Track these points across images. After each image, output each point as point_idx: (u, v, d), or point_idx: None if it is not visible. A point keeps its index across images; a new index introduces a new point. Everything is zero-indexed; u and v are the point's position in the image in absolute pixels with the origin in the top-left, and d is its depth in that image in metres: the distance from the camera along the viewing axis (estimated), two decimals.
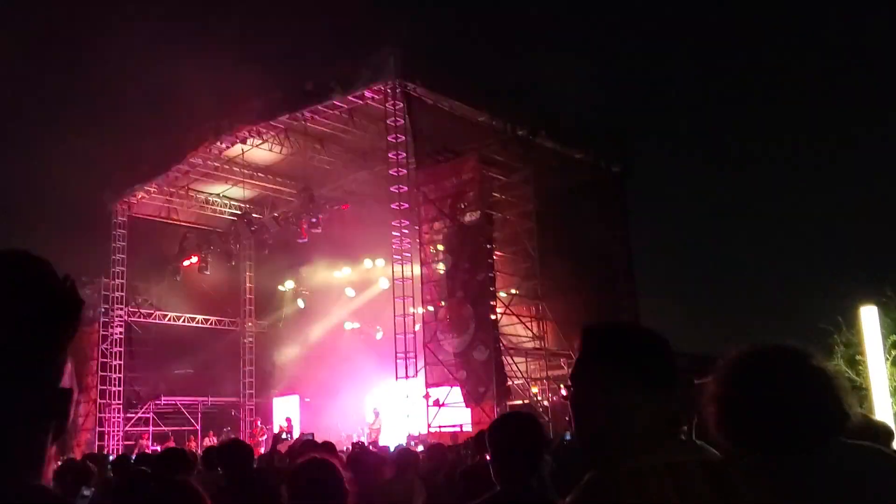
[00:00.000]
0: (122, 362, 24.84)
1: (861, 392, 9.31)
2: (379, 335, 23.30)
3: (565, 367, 19.64)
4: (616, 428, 1.68)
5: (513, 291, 20.04)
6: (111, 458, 12.32)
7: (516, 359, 19.15)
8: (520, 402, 18.34)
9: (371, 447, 11.64)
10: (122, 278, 25.28)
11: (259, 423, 25.58)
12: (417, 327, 18.86)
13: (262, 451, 14.77)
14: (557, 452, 5.31)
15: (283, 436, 7.89)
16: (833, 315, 11.61)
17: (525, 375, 19.49)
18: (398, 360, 18.11)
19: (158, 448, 18.86)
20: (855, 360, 10.31)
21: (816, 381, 1.90)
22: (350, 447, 11.58)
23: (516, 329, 19.60)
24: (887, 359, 9.71)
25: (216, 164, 23.54)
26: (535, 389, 19.44)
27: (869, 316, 8.97)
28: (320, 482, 2.94)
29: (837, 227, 23.35)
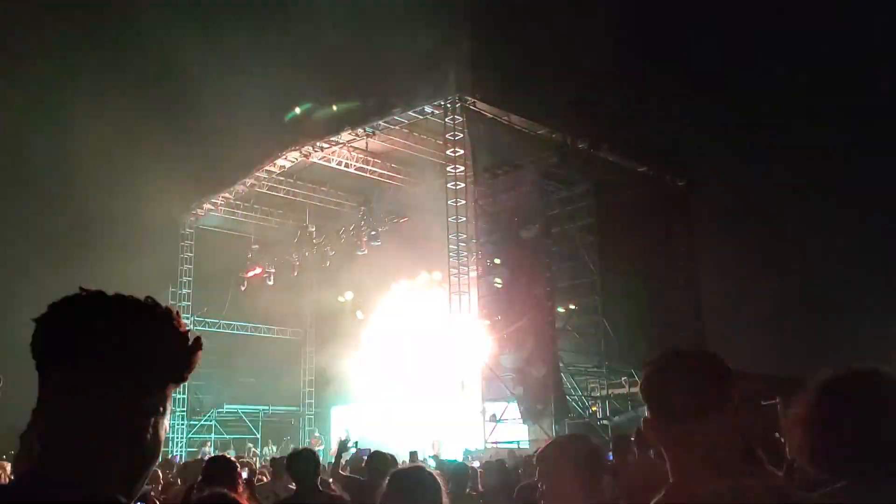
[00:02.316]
0: None
1: None
2: (437, 349, 23.33)
3: (626, 386, 19.30)
4: (689, 452, 1.71)
5: (571, 307, 19.82)
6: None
7: (576, 377, 18.92)
8: (579, 420, 18.09)
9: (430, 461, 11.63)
10: (189, 288, 25.91)
11: (317, 433, 25.86)
12: (475, 341, 18.80)
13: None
14: (623, 473, 5.22)
15: (350, 444, 7.92)
16: None
17: (584, 393, 19.23)
18: (456, 375, 18.10)
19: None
20: None
21: None
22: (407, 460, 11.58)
23: (576, 345, 19.37)
24: None
25: (281, 177, 23.99)
26: (594, 408, 19.13)
27: None
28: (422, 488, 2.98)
29: None
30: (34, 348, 1.24)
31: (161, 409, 1.27)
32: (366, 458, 7.31)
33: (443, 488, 3.03)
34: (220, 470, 4.70)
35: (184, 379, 1.31)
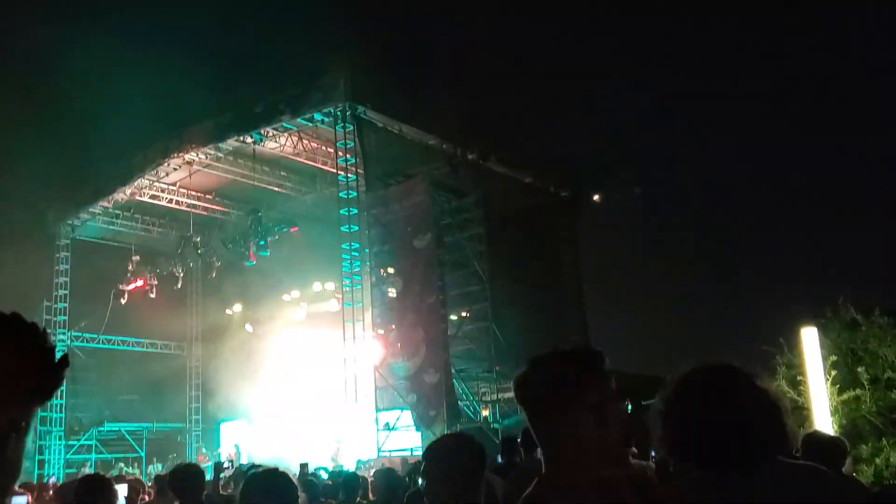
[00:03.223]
0: (63, 388, 24.12)
1: (803, 412, 9.52)
2: (329, 359, 23.11)
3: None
4: (556, 448, 1.79)
5: (463, 314, 20.09)
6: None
7: (467, 382, 19.16)
8: (470, 424, 18.31)
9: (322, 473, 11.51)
10: (65, 301, 24.67)
11: (203, 449, 25.09)
12: (367, 350, 18.75)
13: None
14: (511, 474, 5.33)
15: (225, 465, 7.74)
16: (775, 337, 11.90)
17: (476, 398, 19.50)
18: (348, 384, 18.00)
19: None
20: (797, 380, 10.54)
21: (759, 401, 1.95)
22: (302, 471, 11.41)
23: (467, 351, 19.62)
24: (827, 379, 9.97)
25: (163, 185, 23.22)
26: (485, 413, 19.43)
27: (810, 337, 9.22)
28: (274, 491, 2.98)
29: (779, 250, 24.01)
30: None
31: (22, 427, 1.23)
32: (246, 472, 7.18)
33: (298, 490, 3.09)
34: (93, 488, 4.50)
35: (48, 397, 1.26)
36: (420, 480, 3.02)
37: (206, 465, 22.11)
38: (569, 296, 22.74)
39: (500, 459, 6.76)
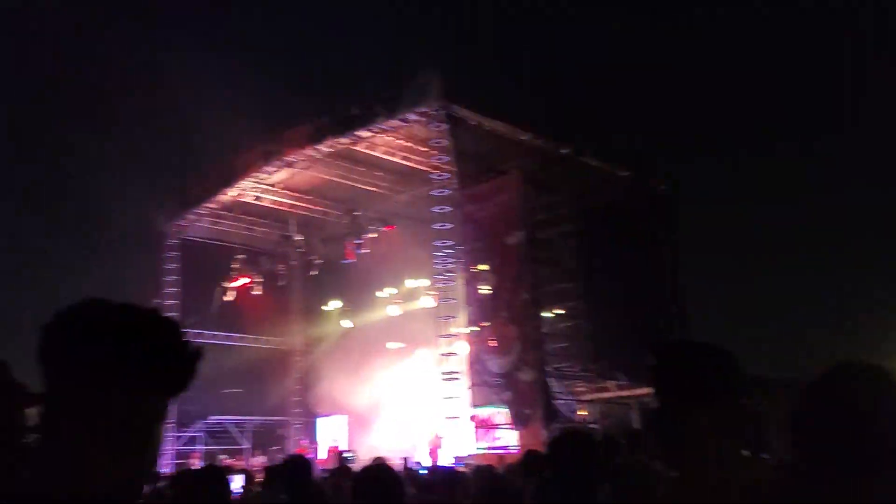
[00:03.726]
0: None
1: None
2: (424, 356, 23.39)
3: (613, 389, 19.41)
4: (677, 445, 1.75)
5: (557, 312, 19.92)
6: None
7: (563, 380, 19.00)
8: (567, 424, 18.17)
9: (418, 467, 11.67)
10: (175, 298, 25.79)
11: (304, 442, 25.79)
12: (462, 347, 18.87)
13: None
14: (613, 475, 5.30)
15: (346, 454, 7.97)
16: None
17: (572, 397, 19.31)
18: (443, 381, 18.14)
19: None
20: None
21: None
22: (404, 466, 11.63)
23: (562, 350, 19.46)
24: None
25: (265, 186, 23.97)
26: (582, 412, 19.22)
27: None
28: (382, 488, 3.05)
29: None
30: (40, 354, 1.28)
31: (162, 416, 1.32)
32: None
33: (405, 485, 3.16)
34: (211, 478, 4.73)
35: (185, 388, 1.35)
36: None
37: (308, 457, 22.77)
38: (669, 294, 22.12)
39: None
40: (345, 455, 7.38)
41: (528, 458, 6.74)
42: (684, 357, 1.88)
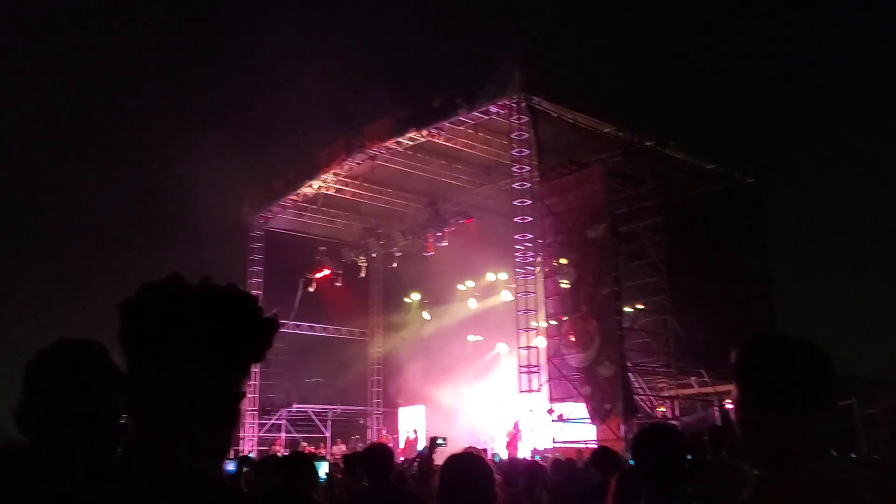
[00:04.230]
0: (258, 370, 25.93)
1: None
2: (503, 349, 23.38)
3: (695, 386, 18.98)
4: (767, 444, 1.67)
5: (639, 307, 19.58)
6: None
7: (643, 376, 18.69)
8: (647, 420, 17.86)
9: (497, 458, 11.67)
10: (259, 289, 26.47)
11: (385, 431, 26.12)
12: (541, 341, 18.77)
13: None
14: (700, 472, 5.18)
15: (440, 441, 7.97)
16: None
17: (653, 393, 18.98)
18: (522, 374, 18.09)
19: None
20: None
21: None
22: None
23: (644, 345, 19.13)
24: None
25: (347, 179, 24.33)
26: (663, 408, 18.86)
27: None
28: (473, 474, 3.04)
29: None
30: (121, 335, 1.31)
31: (242, 390, 1.35)
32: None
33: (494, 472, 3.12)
34: (298, 465, 4.84)
35: (262, 357, 1.37)
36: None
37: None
38: (754, 289, 21.49)
39: (688, 457, 6.54)
40: (437, 441, 7.40)
41: (599, 454, 6.66)
42: (770, 352, 1.77)
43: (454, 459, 3.16)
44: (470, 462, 3.11)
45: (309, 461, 5.22)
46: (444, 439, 8.69)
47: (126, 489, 1.25)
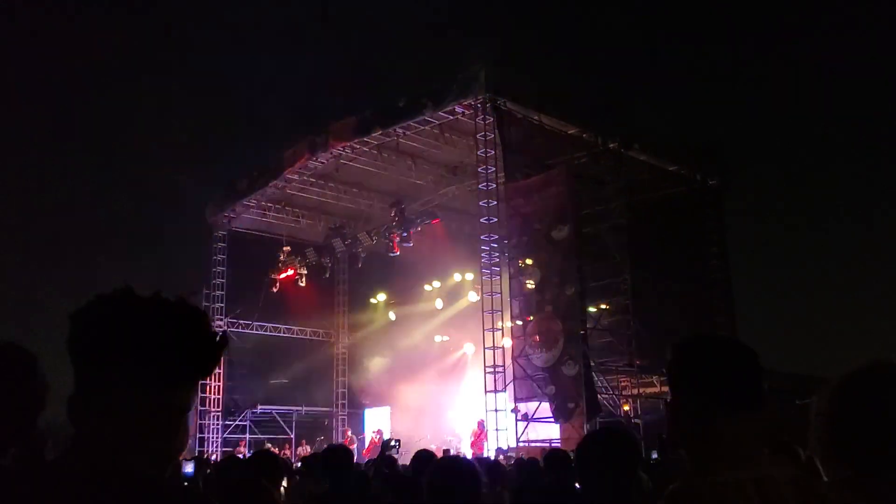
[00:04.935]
0: (221, 371, 25.66)
1: None
2: (469, 349, 23.43)
3: (657, 385, 19.21)
4: (695, 443, 1.71)
5: (603, 306, 19.76)
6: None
7: (606, 375, 18.86)
8: (610, 419, 18.03)
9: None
10: (222, 290, 26.21)
11: (349, 432, 26.02)
12: (506, 341, 18.85)
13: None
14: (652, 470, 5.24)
15: (393, 443, 7.97)
16: None
17: (616, 392, 19.17)
18: (487, 374, 18.15)
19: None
20: None
21: None
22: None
23: (607, 345, 19.31)
24: None
25: (311, 179, 24.19)
26: (626, 407, 19.07)
27: None
28: (459, 476, 3.03)
29: None
30: (69, 344, 1.31)
31: (188, 403, 1.36)
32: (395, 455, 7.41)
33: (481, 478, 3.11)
34: (265, 464, 4.82)
35: (209, 373, 1.39)
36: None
37: (353, 447, 23.00)
38: (715, 289, 21.83)
39: (654, 455, 6.63)
40: (391, 444, 7.39)
41: (550, 456, 6.71)
42: (700, 355, 1.83)
43: (440, 465, 3.16)
44: (455, 468, 3.11)
45: (273, 459, 5.19)
46: (398, 441, 8.69)
47: (64, 486, 1.24)
